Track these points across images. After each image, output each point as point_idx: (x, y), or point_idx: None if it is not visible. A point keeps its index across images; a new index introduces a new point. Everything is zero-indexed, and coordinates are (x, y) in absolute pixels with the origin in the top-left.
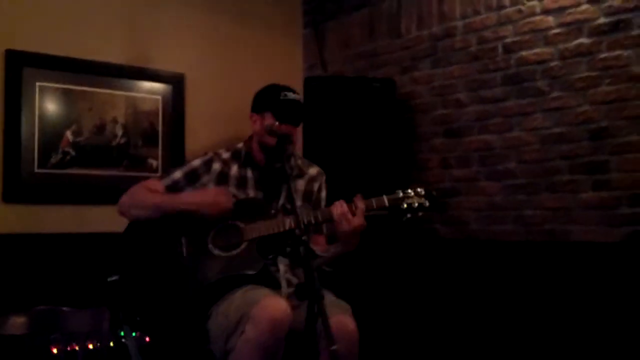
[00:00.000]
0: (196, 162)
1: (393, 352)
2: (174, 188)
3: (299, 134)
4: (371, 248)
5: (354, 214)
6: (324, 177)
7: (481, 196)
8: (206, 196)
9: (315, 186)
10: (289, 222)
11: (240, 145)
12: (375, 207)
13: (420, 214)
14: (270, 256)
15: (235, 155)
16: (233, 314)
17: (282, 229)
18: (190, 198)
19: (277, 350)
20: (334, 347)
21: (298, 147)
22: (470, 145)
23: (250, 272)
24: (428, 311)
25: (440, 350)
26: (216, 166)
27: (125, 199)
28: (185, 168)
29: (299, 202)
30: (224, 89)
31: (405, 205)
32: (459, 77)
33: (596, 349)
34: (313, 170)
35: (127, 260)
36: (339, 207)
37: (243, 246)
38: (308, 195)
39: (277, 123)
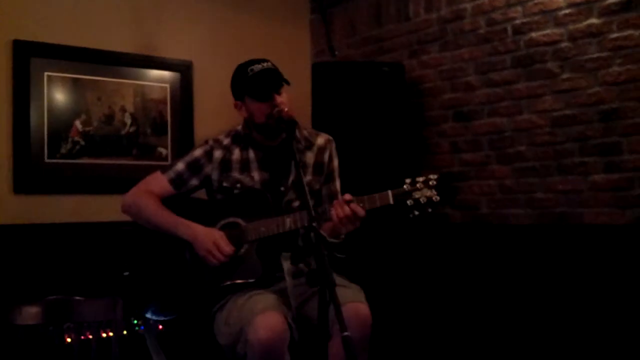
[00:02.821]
0: (197, 152)
1: (404, 337)
2: (179, 181)
3: (286, 96)
4: (382, 233)
5: (353, 214)
6: (334, 145)
7: (492, 180)
8: (206, 240)
9: (326, 156)
10: (289, 223)
11: (239, 127)
12: (378, 205)
13: (429, 210)
14: (272, 258)
15: (236, 139)
16: (233, 324)
17: (282, 230)
18: (189, 230)
19: None
20: (346, 334)
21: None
22: (480, 128)
23: (251, 280)
24: (439, 296)
25: (452, 334)
26: (217, 154)
27: (128, 199)
28: (187, 158)
29: (309, 177)
30: (231, 76)
31: (411, 202)
32: (469, 60)
33: (608, 332)
34: (321, 140)
35: (137, 257)
36: (340, 211)
37: (243, 250)
38: (318, 167)
39: (272, 108)
